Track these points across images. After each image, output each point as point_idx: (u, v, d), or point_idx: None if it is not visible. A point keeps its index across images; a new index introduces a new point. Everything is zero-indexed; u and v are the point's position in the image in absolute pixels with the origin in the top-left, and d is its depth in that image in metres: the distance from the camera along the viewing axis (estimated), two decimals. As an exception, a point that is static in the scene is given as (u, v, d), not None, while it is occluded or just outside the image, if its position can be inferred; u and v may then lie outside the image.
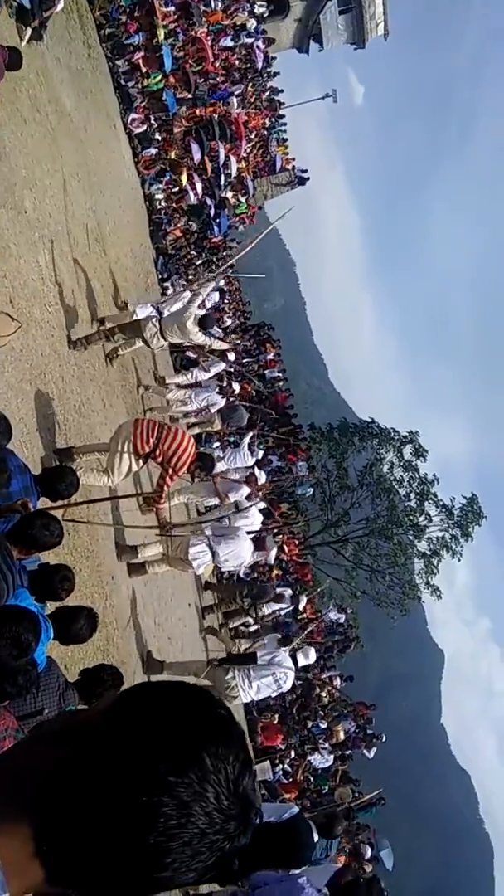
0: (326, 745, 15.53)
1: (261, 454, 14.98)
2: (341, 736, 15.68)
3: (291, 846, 4.47)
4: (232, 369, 15.14)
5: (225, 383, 12.51)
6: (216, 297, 13.57)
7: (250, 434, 13.70)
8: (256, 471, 12.28)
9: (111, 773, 0.78)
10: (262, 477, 12.65)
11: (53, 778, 0.81)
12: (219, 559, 7.40)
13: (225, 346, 11.21)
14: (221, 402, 12.05)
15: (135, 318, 8.05)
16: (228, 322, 18.09)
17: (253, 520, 9.16)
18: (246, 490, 10.00)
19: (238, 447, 13.20)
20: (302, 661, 7.71)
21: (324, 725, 15.84)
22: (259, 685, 7.17)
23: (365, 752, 16.31)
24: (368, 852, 11.90)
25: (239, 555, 7.58)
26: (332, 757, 15.04)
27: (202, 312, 8.31)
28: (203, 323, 8.20)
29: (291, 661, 7.47)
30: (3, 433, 3.65)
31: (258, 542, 9.84)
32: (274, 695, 7.65)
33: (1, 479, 3.16)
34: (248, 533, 8.10)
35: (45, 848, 0.80)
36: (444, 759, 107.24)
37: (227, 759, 0.80)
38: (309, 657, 7.89)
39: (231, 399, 13.42)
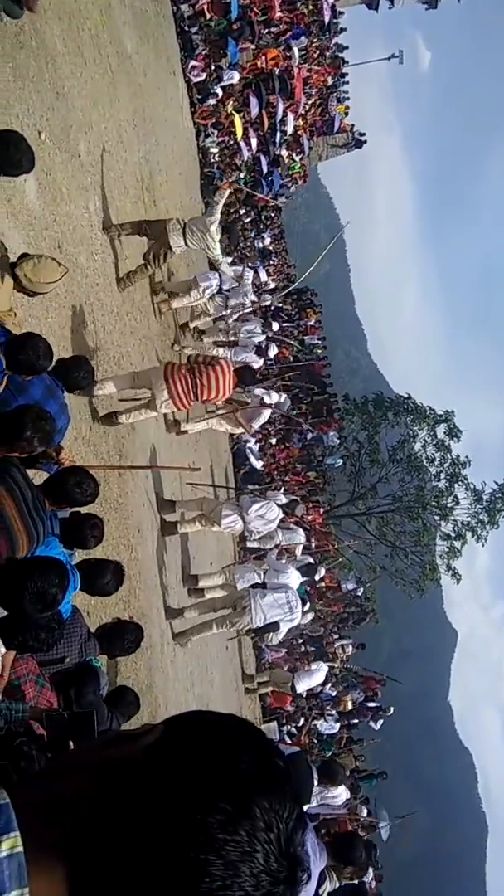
0: (333, 712, 15.72)
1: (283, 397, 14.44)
2: (349, 705, 15.85)
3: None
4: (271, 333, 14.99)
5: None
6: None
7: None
8: (265, 396, 11.95)
9: (155, 823, 0.72)
10: (274, 397, 12.23)
11: (92, 818, 0.75)
12: (248, 518, 7.65)
13: (231, 273, 10.81)
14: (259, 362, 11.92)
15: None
16: (272, 285, 17.85)
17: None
18: (267, 413, 10.04)
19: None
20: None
21: (333, 693, 16.02)
22: (272, 601, 7.34)
23: (371, 723, 16.50)
24: (365, 812, 12.16)
25: (267, 519, 7.75)
26: (337, 725, 15.23)
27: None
28: (228, 230, 8.38)
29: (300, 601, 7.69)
30: (45, 356, 3.57)
31: (288, 506, 10.03)
32: (284, 619, 7.67)
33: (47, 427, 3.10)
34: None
35: (79, 893, 0.75)
36: (448, 735, 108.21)
37: (280, 814, 0.74)
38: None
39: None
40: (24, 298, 4.46)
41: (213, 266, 9.16)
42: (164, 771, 0.75)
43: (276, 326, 16.08)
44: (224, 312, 11.14)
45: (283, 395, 13.65)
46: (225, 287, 10.41)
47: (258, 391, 10.93)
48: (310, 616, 13.17)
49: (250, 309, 11.62)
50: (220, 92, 16.24)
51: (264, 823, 0.72)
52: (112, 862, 0.73)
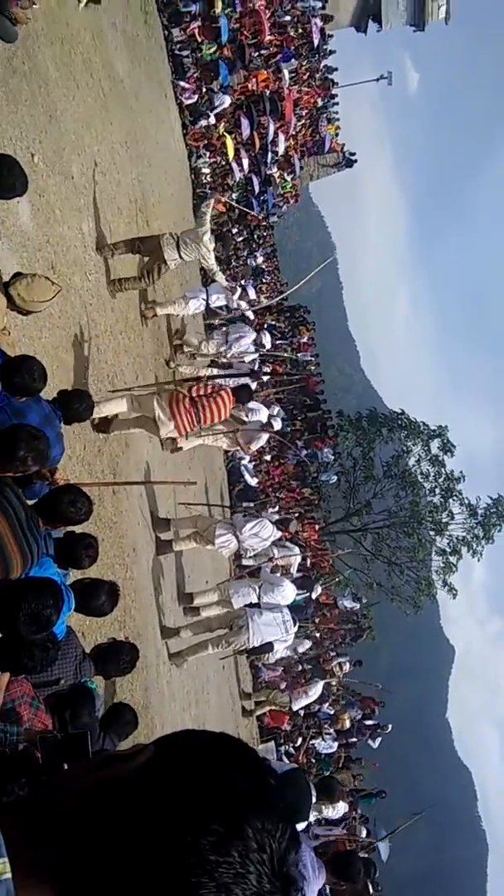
0: (331, 731, 15.60)
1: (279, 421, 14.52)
2: (347, 724, 15.73)
3: (288, 797, 4.45)
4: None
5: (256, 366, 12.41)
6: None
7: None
8: (272, 420, 12.01)
9: (146, 845, 0.71)
10: (277, 424, 12.32)
11: (82, 840, 0.74)
12: (242, 537, 7.67)
13: (226, 283, 10.89)
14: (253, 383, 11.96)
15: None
16: (264, 301, 17.91)
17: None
18: (265, 437, 10.12)
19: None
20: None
21: (331, 711, 15.91)
22: (268, 620, 7.36)
23: (370, 741, 16.37)
24: (364, 832, 12.04)
25: (262, 537, 7.80)
26: (336, 744, 15.11)
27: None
28: (221, 238, 8.37)
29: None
30: (40, 378, 3.57)
31: (282, 523, 10.00)
32: (279, 639, 7.67)
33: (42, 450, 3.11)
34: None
35: None
36: (447, 753, 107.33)
37: (273, 834, 0.72)
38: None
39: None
40: (17, 318, 4.49)
41: (206, 280, 9.26)
42: (155, 792, 0.74)
43: (268, 344, 16.15)
44: (223, 348, 11.31)
45: (277, 408, 13.71)
46: (213, 301, 10.47)
47: (252, 405, 11.05)
48: (307, 644, 13.18)
49: (250, 341, 11.71)
50: (213, 119, 16.47)
51: (257, 844, 0.71)
52: (102, 885, 0.71)
